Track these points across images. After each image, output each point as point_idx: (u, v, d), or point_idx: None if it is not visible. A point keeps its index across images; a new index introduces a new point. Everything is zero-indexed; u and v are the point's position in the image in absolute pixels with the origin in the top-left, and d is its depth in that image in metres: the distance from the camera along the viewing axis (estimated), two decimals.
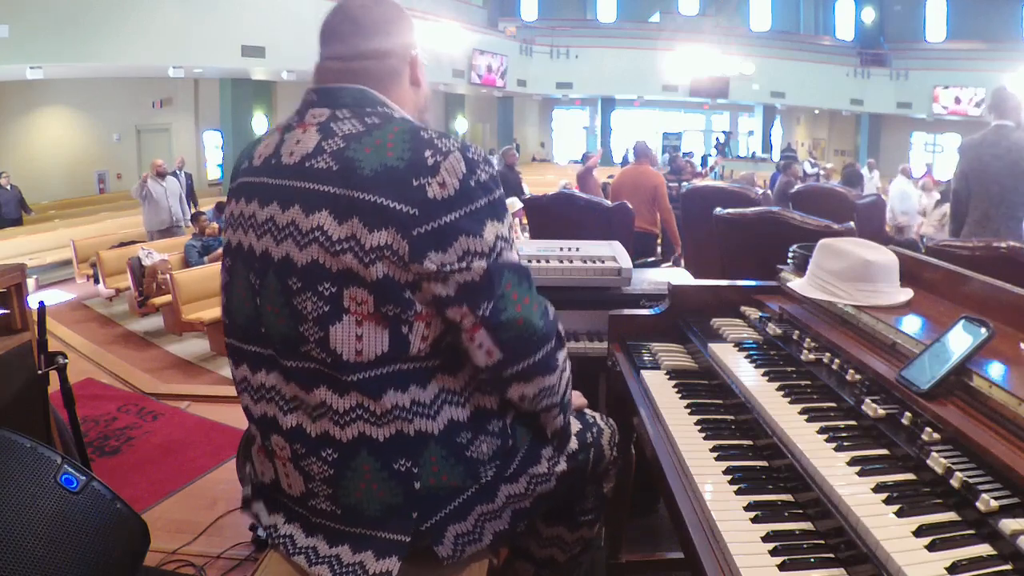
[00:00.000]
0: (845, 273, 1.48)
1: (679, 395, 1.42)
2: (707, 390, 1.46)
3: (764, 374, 1.35)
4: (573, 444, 1.24)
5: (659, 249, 5.86)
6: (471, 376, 1.09)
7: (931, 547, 0.82)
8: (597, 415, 1.37)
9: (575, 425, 1.26)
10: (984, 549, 0.81)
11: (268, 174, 1.08)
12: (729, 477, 1.09)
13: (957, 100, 18.10)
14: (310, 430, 1.06)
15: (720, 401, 1.39)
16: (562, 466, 1.20)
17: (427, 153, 1.00)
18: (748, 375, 1.36)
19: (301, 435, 1.06)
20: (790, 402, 1.22)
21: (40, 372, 1.79)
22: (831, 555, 0.91)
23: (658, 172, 5.93)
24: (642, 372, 1.54)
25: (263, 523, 1.17)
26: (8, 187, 10.25)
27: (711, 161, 18.13)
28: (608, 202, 4.27)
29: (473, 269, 1.00)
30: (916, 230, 8.16)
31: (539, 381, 1.08)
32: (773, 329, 1.54)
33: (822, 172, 13.10)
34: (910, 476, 0.97)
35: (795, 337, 1.48)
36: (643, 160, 5.89)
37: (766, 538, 0.94)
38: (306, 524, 1.11)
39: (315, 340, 1.02)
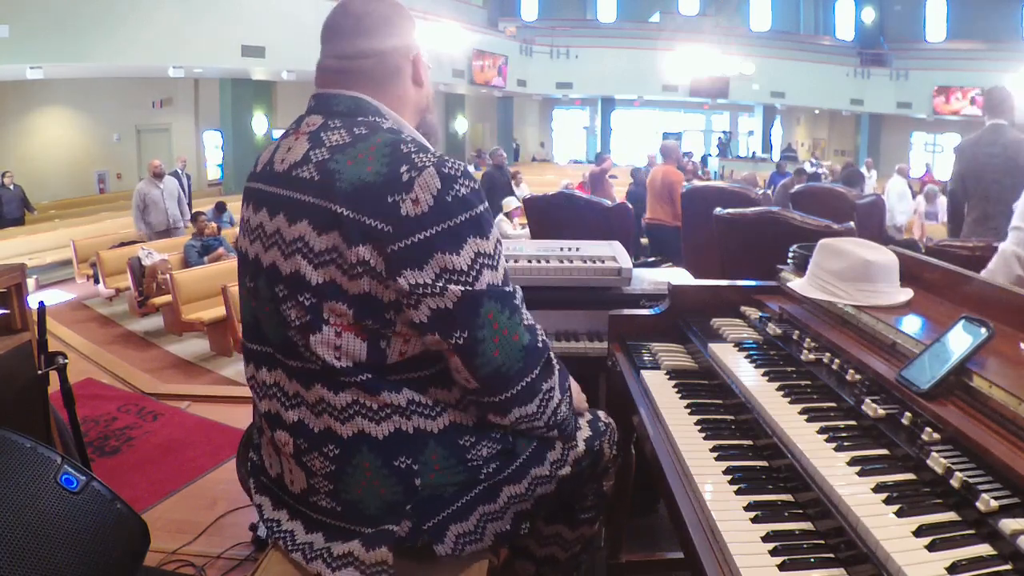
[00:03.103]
0: (845, 273, 1.48)
1: (679, 395, 1.42)
2: (707, 390, 1.46)
3: (764, 374, 1.35)
4: (580, 449, 1.22)
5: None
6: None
7: (931, 547, 0.82)
8: (600, 413, 1.36)
9: (585, 431, 1.25)
10: (984, 549, 0.81)
11: (264, 181, 1.11)
12: (729, 477, 1.09)
13: (947, 100, 18.07)
14: (313, 425, 1.07)
15: (720, 401, 1.39)
16: (566, 470, 1.19)
17: (403, 168, 0.99)
18: (748, 375, 1.36)
19: (304, 430, 1.08)
20: (790, 402, 1.22)
21: (40, 372, 1.78)
22: (831, 555, 0.91)
23: (678, 171, 6.44)
24: (642, 372, 1.54)
25: (266, 516, 1.17)
26: (11, 186, 10.26)
27: (710, 161, 18.09)
28: (608, 202, 4.29)
29: (447, 294, 0.98)
30: (919, 235, 8.15)
31: (516, 412, 1.08)
32: (773, 329, 1.54)
33: (824, 172, 13.05)
34: (910, 476, 0.97)
35: (795, 337, 1.48)
36: (669, 160, 6.54)
37: (766, 538, 0.93)
38: (307, 521, 1.12)
39: (302, 345, 1.04)
